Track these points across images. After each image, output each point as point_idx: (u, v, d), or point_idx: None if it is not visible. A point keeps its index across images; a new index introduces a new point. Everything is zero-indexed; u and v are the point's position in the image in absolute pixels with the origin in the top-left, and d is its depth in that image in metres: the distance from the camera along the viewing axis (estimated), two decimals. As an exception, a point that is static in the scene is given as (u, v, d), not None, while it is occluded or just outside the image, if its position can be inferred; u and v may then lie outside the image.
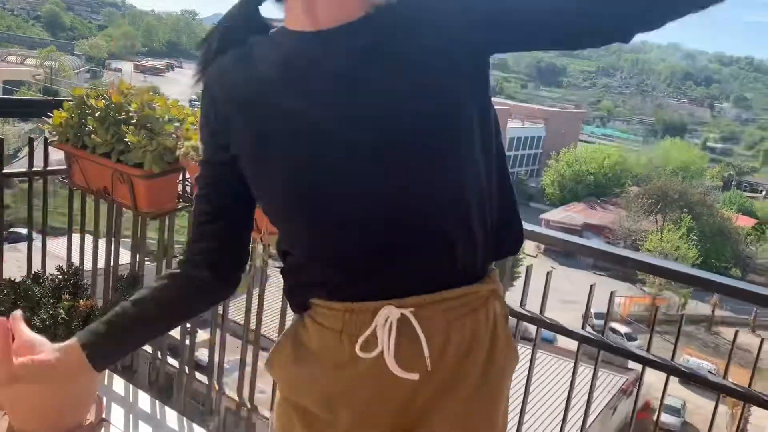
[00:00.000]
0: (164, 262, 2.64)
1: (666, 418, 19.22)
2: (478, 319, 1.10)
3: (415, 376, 1.06)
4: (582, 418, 2.06)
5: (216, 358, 2.67)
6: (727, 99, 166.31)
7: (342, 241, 1.06)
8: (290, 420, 1.18)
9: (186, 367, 2.77)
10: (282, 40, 1.06)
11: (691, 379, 1.79)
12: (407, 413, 1.12)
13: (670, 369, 1.75)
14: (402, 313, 1.04)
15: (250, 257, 2.23)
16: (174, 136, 2.22)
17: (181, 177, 2.39)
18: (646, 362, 1.78)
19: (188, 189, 2.37)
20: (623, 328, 22.79)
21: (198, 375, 2.77)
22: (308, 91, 1.02)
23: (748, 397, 1.61)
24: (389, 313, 1.04)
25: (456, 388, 1.10)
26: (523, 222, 1.21)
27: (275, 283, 2.47)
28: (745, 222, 44.92)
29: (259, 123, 1.07)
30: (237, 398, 2.65)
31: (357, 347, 1.06)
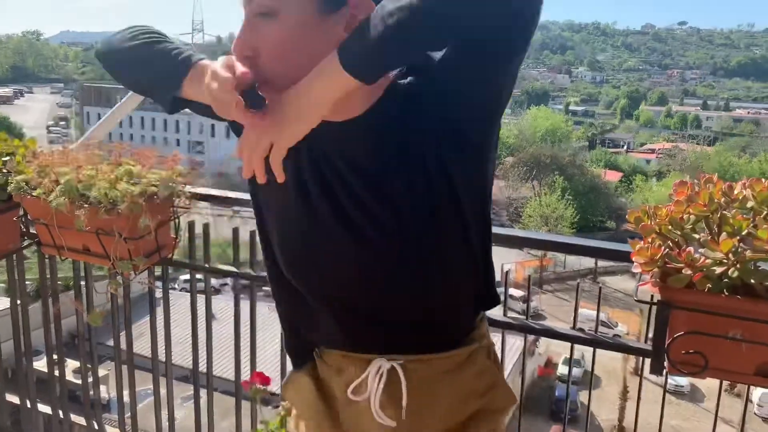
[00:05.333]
0: (18, 304, 2.47)
1: (567, 370, 20.39)
2: (464, 375, 1.22)
3: (392, 423, 1.18)
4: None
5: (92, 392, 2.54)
6: (581, 63, 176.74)
7: (338, 297, 1.19)
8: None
9: (60, 411, 2.61)
10: None
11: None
12: None
13: (594, 343, 1.75)
14: (392, 365, 1.18)
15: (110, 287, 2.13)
16: (3, 171, 2.07)
17: (21, 212, 2.23)
18: (574, 339, 1.76)
19: (30, 226, 2.22)
20: (518, 292, 23.87)
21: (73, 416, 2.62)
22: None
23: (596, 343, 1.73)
24: (381, 365, 1.18)
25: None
26: None
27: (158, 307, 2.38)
28: (612, 176, 48.17)
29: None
30: (120, 433, 2.53)
31: (349, 391, 1.21)
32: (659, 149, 61.56)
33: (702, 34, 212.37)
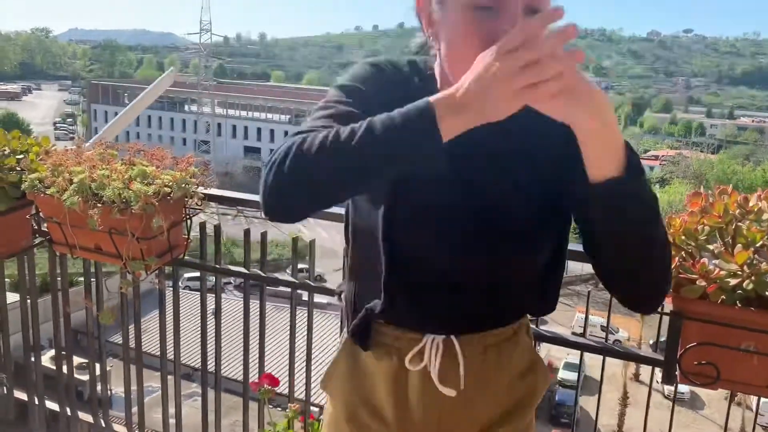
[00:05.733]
0: (28, 300, 2.49)
1: (567, 374, 20.41)
2: (509, 352, 1.25)
3: (452, 392, 1.19)
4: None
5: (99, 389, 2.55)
6: (587, 69, 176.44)
7: (418, 274, 1.17)
8: None
9: (68, 408, 2.62)
10: (433, 89, 1.06)
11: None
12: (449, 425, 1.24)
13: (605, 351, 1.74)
14: (446, 336, 1.19)
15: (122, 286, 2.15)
16: (18, 169, 2.09)
17: (33, 211, 2.25)
18: (584, 347, 1.76)
19: (42, 224, 2.23)
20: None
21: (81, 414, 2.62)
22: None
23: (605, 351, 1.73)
24: (434, 336, 1.20)
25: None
26: None
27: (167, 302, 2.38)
28: (616, 182, 47.98)
29: None
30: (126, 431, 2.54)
31: (406, 360, 1.20)
32: (663, 156, 61.46)
33: (707, 41, 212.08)
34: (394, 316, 1.22)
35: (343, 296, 1.34)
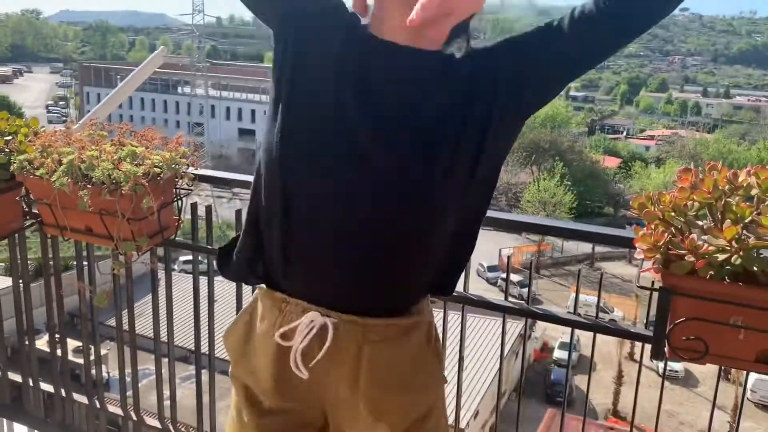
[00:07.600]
0: (20, 283, 2.48)
1: (563, 354, 20.56)
2: (396, 347, 1.23)
3: (304, 375, 1.21)
4: (498, 368, 2.12)
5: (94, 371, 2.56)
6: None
7: (303, 230, 1.19)
8: (237, 396, 1.36)
9: (62, 390, 2.63)
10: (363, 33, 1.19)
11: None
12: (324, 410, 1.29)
13: (597, 328, 1.76)
14: (325, 322, 1.19)
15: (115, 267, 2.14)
16: (6, 150, 2.07)
17: (23, 193, 2.23)
18: (574, 324, 1.78)
19: (32, 206, 2.22)
20: (516, 277, 23.92)
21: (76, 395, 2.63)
22: (357, 80, 1.14)
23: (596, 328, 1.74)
24: (314, 318, 1.20)
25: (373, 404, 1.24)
26: None
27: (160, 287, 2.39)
28: (611, 162, 48.11)
29: (314, 64, 1.16)
30: (121, 412, 2.55)
31: (277, 334, 1.22)
32: (659, 136, 61.47)
33: (704, 20, 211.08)
34: (287, 283, 1.25)
35: (236, 255, 1.34)
